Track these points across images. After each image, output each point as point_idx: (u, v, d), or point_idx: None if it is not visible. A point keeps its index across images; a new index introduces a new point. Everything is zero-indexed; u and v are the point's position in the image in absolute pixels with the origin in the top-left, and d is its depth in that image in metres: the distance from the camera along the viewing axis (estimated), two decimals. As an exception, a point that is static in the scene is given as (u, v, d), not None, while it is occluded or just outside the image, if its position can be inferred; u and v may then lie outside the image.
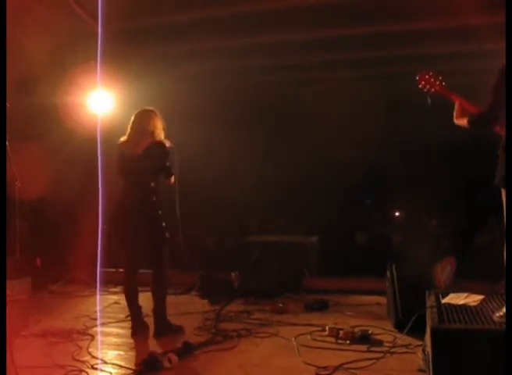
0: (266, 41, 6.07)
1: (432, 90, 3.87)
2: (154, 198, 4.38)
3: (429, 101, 3.86)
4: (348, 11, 5.33)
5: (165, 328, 4.39)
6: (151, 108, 4.50)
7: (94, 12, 5.23)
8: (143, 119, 4.43)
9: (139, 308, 4.48)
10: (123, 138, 4.49)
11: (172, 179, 4.51)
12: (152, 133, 4.40)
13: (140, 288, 4.50)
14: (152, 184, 4.39)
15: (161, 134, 4.46)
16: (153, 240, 4.39)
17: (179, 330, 4.47)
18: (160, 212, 4.41)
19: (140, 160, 4.37)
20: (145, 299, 4.56)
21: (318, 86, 7.29)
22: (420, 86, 3.91)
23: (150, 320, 4.59)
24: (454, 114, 3.75)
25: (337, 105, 6.79)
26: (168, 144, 4.47)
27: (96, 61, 5.66)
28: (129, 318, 4.58)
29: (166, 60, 6.58)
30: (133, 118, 4.47)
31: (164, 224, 4.42)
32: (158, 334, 4.35)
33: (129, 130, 4.46)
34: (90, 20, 5.50)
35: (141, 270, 4.53)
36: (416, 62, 5.80)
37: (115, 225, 4.51)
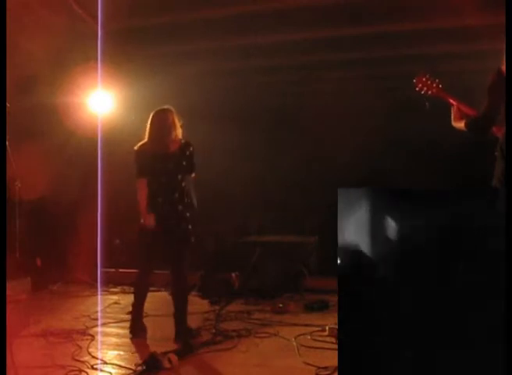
0: (266, 41, 6.07)
1: (430, 92, 3.89)
2: (186, 199, 4.33)
3: (427, 104, 3.88)
4: (348, 11, 5.32)
5: (185, 332, 4.29)
6: (167, 106, 4.44)
7: (94, 12, 5.22)
8: (163, 119, 4.36)
9: (142, 309, 4.47)
10: (144, 139, 4.42)
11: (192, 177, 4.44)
12: (174, 132, 4.35)
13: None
14: (183, 184, 4.33)
15: (180, 132, 4.42)
16: (178, 241, 4.33)
17: (196, 334, 4.39)
18: (188, 214, 4.34)
19: (170, 160, 4.30)
20: (149, 300, 4.58)
21: (318, 86, 7.29)
22: (417, 88, 3.93)
23: (150, 320, 4.59)
24: (452, 117, 3.76)
25: (337, 105, 6.79)
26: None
27: (96, 61, 5.67)
28: (128, 317, 4.57)
29: (166, 60, 6.57)
30: (151, 118, 4.41)
31: (190, 227, 4.36)
32: (178, 339, 4.24)
33: (149, 130, 4.38)
34: (90, 20, 5.49)
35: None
36: (416, 62, 5.80)
37: (144, 226, 4.35)
